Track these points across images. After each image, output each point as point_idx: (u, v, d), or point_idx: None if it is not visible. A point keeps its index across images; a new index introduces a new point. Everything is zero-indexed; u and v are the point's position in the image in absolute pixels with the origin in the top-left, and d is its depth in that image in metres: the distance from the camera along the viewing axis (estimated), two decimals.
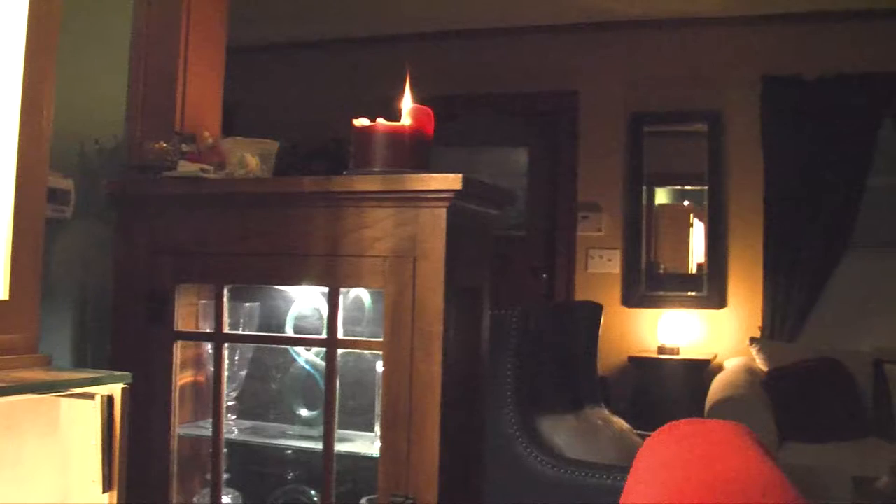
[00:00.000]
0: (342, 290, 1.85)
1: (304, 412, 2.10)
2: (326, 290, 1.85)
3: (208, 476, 2.01)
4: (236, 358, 2.06)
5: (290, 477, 2.14)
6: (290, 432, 2.07)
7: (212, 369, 1.99)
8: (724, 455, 1.23)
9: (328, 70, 5.79)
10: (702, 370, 4.99)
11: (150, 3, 2.12)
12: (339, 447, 1.85)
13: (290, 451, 2.11)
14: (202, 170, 1.91)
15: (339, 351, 1.85)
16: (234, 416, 2.07)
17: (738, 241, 5.19)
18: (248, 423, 2.12)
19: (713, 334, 5.23)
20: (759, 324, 5.05)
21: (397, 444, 1.73)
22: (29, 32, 1.27)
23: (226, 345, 1.95)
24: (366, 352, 1.95)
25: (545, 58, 5.52)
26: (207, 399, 2.05)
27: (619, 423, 3.53)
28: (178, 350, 1.96)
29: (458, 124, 5.25)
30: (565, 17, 5.28)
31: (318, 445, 1.85)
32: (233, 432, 2.03)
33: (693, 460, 1.23)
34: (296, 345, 2.11)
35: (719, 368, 4.90)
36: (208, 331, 2.00)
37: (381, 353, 1.79)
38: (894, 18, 4.72)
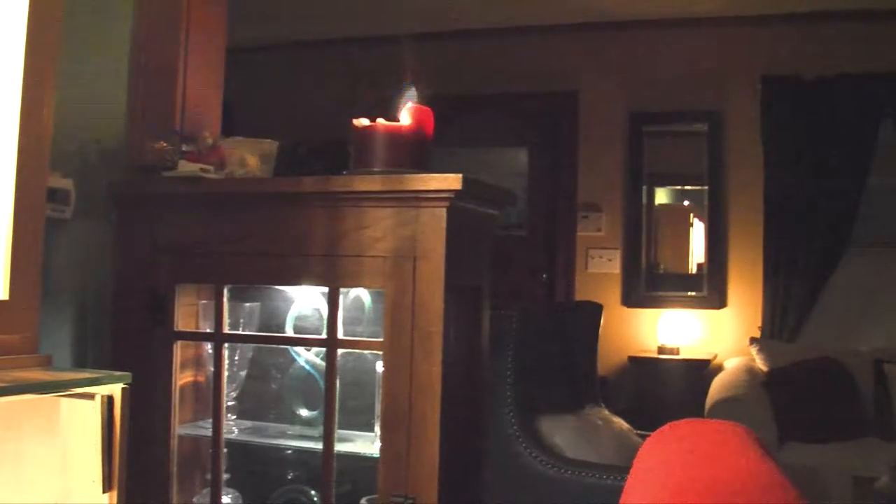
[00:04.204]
0: (342, 290, 1.85)
1: (304, 412, 2.10)
2: (326, 290, 1.85)
3: (208, 476, 2.01)
4: (236, 358, 2.06)
5: (290, 477, 2.14)
6: (290, 432, 2.07)
7: (212, 369, 1.99)
8: (724, 455, 1.23)
9: (328, 70, 5.78)
10: (702, 370, 4.98)
11: (150, 4, 2.12)
12: (339, 447, 1.85)
13: (290, 451, 2.11)
14: (202, 170, 1.91)
15: (339, 351, 1.85)
16: (234, 416, 2.07)
17: (738, 241, 5.19)
18: (248, 423, 2.12)
19: (713, 334, 5.23)
20: (759, 324, 5.04)
21: (397, 444, 1.73)
22: (29, 32, 1.27)
23: (226, 345, 1.96)
24: (366, 352, 1.95)
25: (545, 58, 5.52)
26: (207, 399, 2.05)
27: (619, 423, 3.52)
28: (178, 350, 1.96)
29: (458, 124, 5.25)
30: (565, 17, 5.28)
31: (318, 445, 1.85)
32: (233, 432, 2.03)
33: (693, 460, 1.23)
34: (296, 345, 2.10)
35: (719, 368, 4.90)
36: (208, 331, 2.00)
37: (381, 353, 1.80)
38: (894, 18, 4.72)
